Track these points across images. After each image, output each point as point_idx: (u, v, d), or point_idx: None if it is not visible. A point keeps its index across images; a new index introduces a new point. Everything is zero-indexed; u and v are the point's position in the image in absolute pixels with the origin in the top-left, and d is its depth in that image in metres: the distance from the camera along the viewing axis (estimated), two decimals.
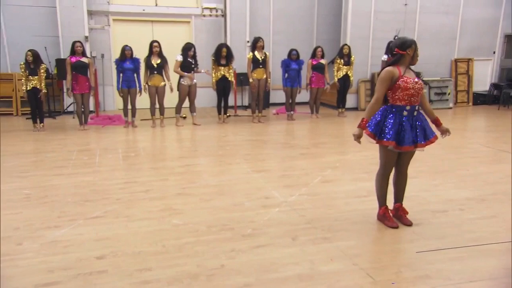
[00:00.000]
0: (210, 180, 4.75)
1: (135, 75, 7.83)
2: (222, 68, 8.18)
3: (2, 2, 9.22)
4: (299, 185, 4.48)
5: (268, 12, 10.87)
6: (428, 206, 3.89)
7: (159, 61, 7.80)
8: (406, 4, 10.39)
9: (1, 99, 9.52)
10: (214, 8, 10.65)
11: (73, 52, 7.41)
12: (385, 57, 9.10)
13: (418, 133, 3.26)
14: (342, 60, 9.10)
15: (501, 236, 3.25)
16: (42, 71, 7.37)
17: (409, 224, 3.43)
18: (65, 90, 7.93)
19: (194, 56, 8.03)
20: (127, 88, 7.78)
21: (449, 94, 10.93)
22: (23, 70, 7.25)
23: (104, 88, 9.95)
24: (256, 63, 8.36)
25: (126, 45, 7.84)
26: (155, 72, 7.80)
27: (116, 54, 8.58)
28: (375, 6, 10.18)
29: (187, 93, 8.09)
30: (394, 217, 3.50)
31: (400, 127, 3.22)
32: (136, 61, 7.81)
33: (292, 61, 8.75)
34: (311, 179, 4.71)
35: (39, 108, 7.58)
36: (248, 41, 10.48)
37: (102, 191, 4.34)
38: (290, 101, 8.95)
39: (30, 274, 2.68)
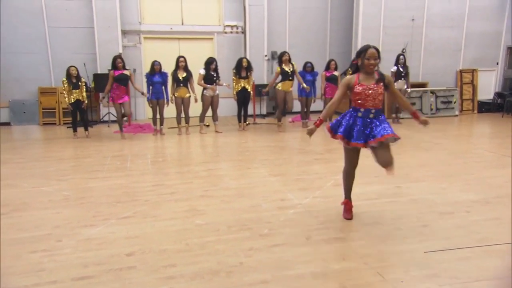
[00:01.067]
0: (231, 183, 4.73)
1: (163, 87, 7.93)
2: (242, 80, 8.21)
3: (48, 24, 9.49)
4: (313, 188, 4.42)
5: (284, 29, 10.86)
6: (436, 208, 3.78)
7: (184, 74, 7.85)
8: (413, 20, 10.23)
9: (46, 110, 9.76)
10: (235, 25, 10.70)
11: (115, 66, 7.45)
12: (394, 68, 9.02)
13: (368, 133, 3.25)
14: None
15: (505, 237, 3.12)
16: (83, 84, 7.63)
17: (349, 217, 3.53)
18: (100, 98, 8.15)
19: (216, 69, 8.05)
20: (156, 100, 7.90)
21: (454, 102, 10.68)
22: (66, 84, 7.45)
23: (135, 99, 10.09)
24: (285, 76, 8.10)
25: (155, 61, 7.94)
26: (181, 84, 7.86)
27: (147, 68, 8.68)
28: (384, 21, 10.07)
29: (210, 103, 8.10)
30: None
31: (353, 125, 3.28)
32: (164, 75, 7.91)
33: (307, 73, 8.74)
34: (324, 182, 4.64)
35: (83, 117, 7.81)
36: (266, 55, 10.49)
37: (132, 193, 4.37)
38: (305, 110, 8.90)
39: (68, 268, 2.71)
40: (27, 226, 3.43)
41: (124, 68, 7.56)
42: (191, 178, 4.98)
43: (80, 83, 7.57)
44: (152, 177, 5.05)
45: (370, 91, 3.23)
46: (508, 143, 6.74)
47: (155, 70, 7.83)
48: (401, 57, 9.14)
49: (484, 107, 11.16)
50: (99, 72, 9.54)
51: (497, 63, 11.16)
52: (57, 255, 2.91)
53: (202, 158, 6.44)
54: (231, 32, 10.72)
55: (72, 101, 7.55)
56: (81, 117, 7.78)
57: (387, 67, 9.71)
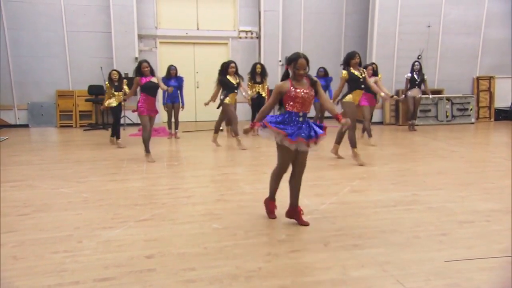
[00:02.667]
0: (246, 188, 4.75)
1: (179, 92, 8.01)
2: (257, 85, 8.25)
3: (67, 29, 9.68)
4: (329, 194, 4.41)
5: (298, 34, 10.89)
6: (455, 216, 3.73)
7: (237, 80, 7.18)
8: (429, 26, 10.17)
9: (64, 113, 9.93)
10: (250, 31, 10.78)
11: (140, 73, 6.05)
12: (408, 75, 8.97)
13: (304, 134, 3.32)
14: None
15: None
16: (125, 85, 7.40)
17: (305, 224, 3.51)
18: (122, 102, 7.40)
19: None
20: (172, 103, 8.00)
21: (471, 109, 10.56)
22: (108, 88, 7.32)
23: None
24: (355, 83, 5.64)
25: (172, 65, 8.04)
26: (236, 91, 7.17)
27: (162, 73, 8.79)
28: (399, 27, 10.03)
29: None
30: (289, 217, 3.60)
31: (289, 124, 3.34)
32: (180, 79, 8.00)
33: (319, 78, 8.61)
34: (340, 188, 4.62)
35: (119, 123, 7.50)
36: (280, 61, 10.52)
37: (149, 196, 4.41)
38: (319, 115, 8.88)
39: (89, 270, 2.74)
40: (48, 227, 3.49)
41: (152, 74, 6.16)
42: (207, 182, 5.01)
43: (122, 85, 7.37)
44: (168, 180, 5.10)
45: (305, 96, 3.33)
46: None
47: (171, 74, 7.94)
48: (416, 63, 9.07)
49: (502, 115, 11.00)
50: None
51: None
52: (78, 256, 2.95)
53: (217, 162, 6.47)
54: (246, 37, 10.80)
55: (116, 104, 7.30)
56: (116, 127, 7.44)
57: (402, 73, 9.71)
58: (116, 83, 7.30)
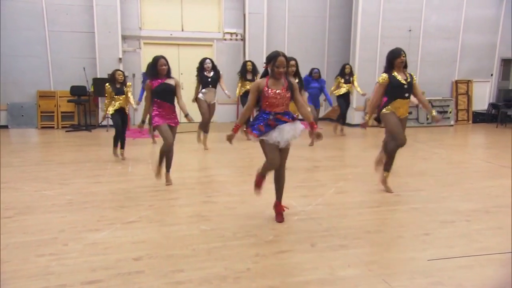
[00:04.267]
0: (233, 189, 4.76)
1: None
2: (248, 83, 7.99)
3: (48, 28, 9.49)
4: (315, 196, 4.46)
5: (283, 36, 10.96)
6: (437, 216, 3.84)
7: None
8: (410, 30, 10.40)
9: (45, 114, 9.74)
10: (234, 32, 10.79)
11: (155, 72, 4.69)
12: None
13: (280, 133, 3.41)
14: (343, 79, 8.53)
15: (507, 246, 3.18)
16: (128, 89, 6.26)
17: (279, 221, 3.63)
18: (139, 125, 5.10)
19: (213, 68, 6.99)
20: None
21: (450, 112, 10.83)
22: (110, 91, 6.10)
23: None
24: (397, 90, 4.31)
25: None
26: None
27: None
28: (381, 31, 10.21)
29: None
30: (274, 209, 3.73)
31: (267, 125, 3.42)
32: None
33: (314, 79, 7.89)
34: (326, 190, 4.69)
35: (124, 130, 6.29)
36: (264, 63, 10.55)
37: (135, 198, 4.38)
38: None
39: (76, 273, 2.71)
40: (33, 230, 3.43)
41: (168, 75, 4.74)
42: (193, 184, 5.00)
43: (125, 88, 6.20)
44: (154, 182, 5.05)
45: (278, 96, 3.38)
46: (505, 153, 6.85)
47: None
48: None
49: (479, 118, 11.32)
50: (98, 76, 9.55)
51: (492, 75, 11.35)
52: (64, 259, 2.92)
53: (203, 163, 6.46)
54: (231, 39, 10.81)
55: (117, 108, 6.10)
56: (122, 129, 6.22)
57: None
58: (118, 86, 6.15)
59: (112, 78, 6.23)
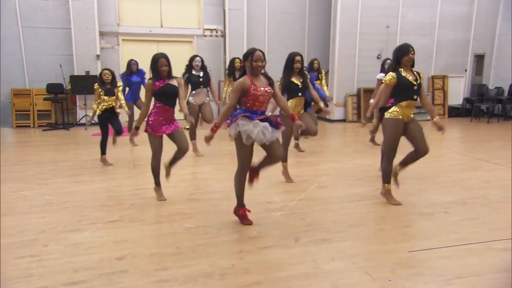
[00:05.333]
0: (216, 186, 4.75)
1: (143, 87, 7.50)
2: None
3: (22, 24, 9.20)
4: (298, 191, 4.50)
5: (263, 33, 10.96)
6: (416, 209, 3.93)
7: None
8: (388, 27, 10.56)
9: (20, 113, 9.46)
10: (215, 29, 10.72)
11: (156, 72, 4.08)
12: (381, 75, 7.20)
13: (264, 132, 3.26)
14: (309, 76, 8.20)
15: (483, 236, 3.29)
16: (119, 89, 5.84)
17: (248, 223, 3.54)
18: (132, 134, 4.70)
19: (202, 68, 6.41)
20: (133, 102, 7.48)
21: None
22: (98, 91, 5.65)
23: None
24: (406, 90, 3.90)
25: (132, 60, 7.41)
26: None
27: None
28: (360, 28, 10.33)
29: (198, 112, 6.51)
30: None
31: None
32: (141, 73, 7.49)
33: (313, 71, 7.39)
34: (308, 185, 4.73)
35: (118, 129, 5.88)
36: (241, 61, 10.53)
37: (117, 197, 4.32)
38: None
39: (58, 274, 2.66)
40: (11, 231, 3.34)
41: (170, 75, 4.15)
42: (175, 182, 4.95)
43: (116, 89, 5.77)
44: (135, 181, 5.00)
45: (265, 93, 3.32)
46: (479, 146, 7.07)
47: (132, 69, 7.33)
48: (388, 61, 7.56)
49: (454, 112, 11.62)
50: (76, 73, 9.33)
51: (466, 70, 11.66)
52: (45, 260, 2.85)
53: (185, 161, 6.36)
54: (211, 36, 10.74)
55: (104, 108, 5.64)
56: (117, 130, 5.89)
57: (364, 72, 10.05)
58: (108, 86, 5.68)
59: (100, 79, 5.73)
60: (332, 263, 2.85)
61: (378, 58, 10.35)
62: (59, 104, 9.38)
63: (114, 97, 5.72)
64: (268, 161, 3.47)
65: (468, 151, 6.85)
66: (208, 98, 6.49)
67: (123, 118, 10.06)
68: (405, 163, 4.17)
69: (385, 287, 2.53)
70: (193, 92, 6.35)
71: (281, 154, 3.45)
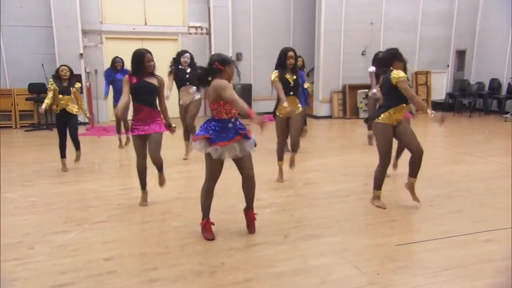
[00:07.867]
0: None
1: None
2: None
3: (2, 22, 8.96)
4: (285, 188, 4.51)
5: (248, 30, 10.92)
6: (402, 203, 3.98)
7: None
8: (372, 23, 10.64)
9: (1, 113, 9.23)
10: (199, 26, 10.64)
11: (139, 68, 3.86)
12: (372, 68, 6.87)
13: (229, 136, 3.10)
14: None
15: (467, 228, 3.35)
16: (77, 90, 5.39)
17: (251, 232, 3.30)
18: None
19: (191, 65, 5.92)
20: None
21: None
22: (52, 88, 5.26)
23: (97, 101, 9.77)
24: (401, 94, 3.87)
25: (117, 57, 7.14)
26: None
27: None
28: (344, 25, 10.39)
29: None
30: (245, 216, 3.36)
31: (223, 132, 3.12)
32: (126, 72, 7.39)
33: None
34: (295, 181, 4.75)
35: (73, 135, 5.39)
36: (231, 57, 10.50)
37: (103, 197, 4.26)
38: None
39: (44, 276, 2.61)
40: None
41: (153, 73, 3.96)
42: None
43: (72, 89, 5.30)
44: (122, 181, 4.94)
45: None
46: (462, 140, 7.20)
47: (117, 67, 7.07)
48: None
49: (437, 107, 11.78)
50: None
51: (448, 66, 11.85)
52: (31, 263, 2.80)
53: (172, 160, 6.33)
54: (196, 33, 10.65)
55: (61, 108, 5.27)
56: (70, 134, 5.37)
57: (349, 68, 10.12)
58: (65, 84, 5.28)
59: (56, 75, 5.32)
60: (321, 258, 2.87)
61: (363, 54, 10.45)
62: (42, 104, 9.16)
63: (69, 96, 5.26)
64: (245, 189, 3.30)
65: (451, 145, 6.96)
66: (197, 96, 6.01)
67: (108, 118, 9.97)
68: (413, 173, 3.85)
69: (374, 280, 2.56)
70: (181, 89, 5.89)
71: (251, 174, 3.24)
